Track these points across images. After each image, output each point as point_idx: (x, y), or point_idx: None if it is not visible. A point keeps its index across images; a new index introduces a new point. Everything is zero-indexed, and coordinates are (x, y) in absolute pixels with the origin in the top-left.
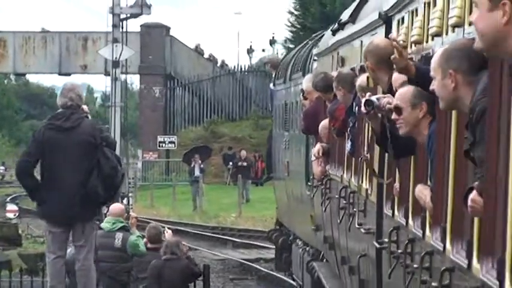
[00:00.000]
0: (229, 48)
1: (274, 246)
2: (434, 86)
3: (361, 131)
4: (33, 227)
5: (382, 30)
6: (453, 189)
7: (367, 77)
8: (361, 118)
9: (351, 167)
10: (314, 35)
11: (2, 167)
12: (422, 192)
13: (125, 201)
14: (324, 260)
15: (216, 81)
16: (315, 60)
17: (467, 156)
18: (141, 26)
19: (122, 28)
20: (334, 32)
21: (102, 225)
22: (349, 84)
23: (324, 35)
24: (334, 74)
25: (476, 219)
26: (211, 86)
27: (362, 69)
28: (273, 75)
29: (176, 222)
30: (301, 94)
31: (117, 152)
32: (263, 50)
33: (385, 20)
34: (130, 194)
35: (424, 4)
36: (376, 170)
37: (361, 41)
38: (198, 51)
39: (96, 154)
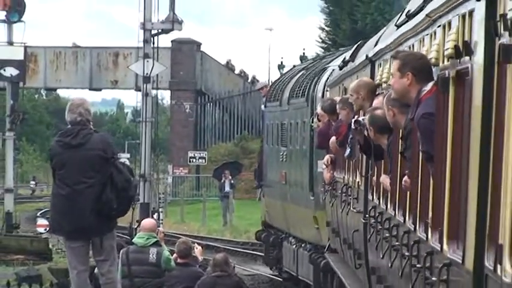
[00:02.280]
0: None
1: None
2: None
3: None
4: (63, 241)
5: (368, 70)
6: (397, 179)
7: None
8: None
9: (349, 168)
10: (306, 62)
11: (33, 182)
12: (385, 179)
13: (155, 216)
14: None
15: (247, 97)
16: (327, 90)
17: (402, 155)
18: (172, 41)
19: (153, 43)
20: (340, 68)
21: (135, 240)
22: (351, 105)
23: (314, 60)
24: (337, 98)
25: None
26: (242, 101)
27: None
28: (264, 98)
29: (206, 237)
30: (316, 117)
31: (147, 167)
32: (294, 66)
33: (370, 62)
34: (160, 209)
35: (390, 57)
36: (363, 168)
37: (357, 76)
38: (229, 67)
39: (107, 168)
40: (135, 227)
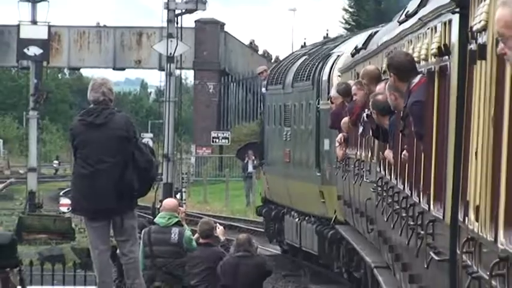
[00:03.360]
0: (283, 45)
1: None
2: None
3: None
4: (84, 221)
5: (380, 57)
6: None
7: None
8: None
9: (362, 145)
10: (306, 48)
11: (56, 161)
12: (388, 154)
13: (178, 196)
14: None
15: None
16: (339, 75)
17: (401, 133)
18: (195, 21)
19: (177, 23)
20: (352, 55)
21: (157, 220)
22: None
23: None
24: (351, 82)
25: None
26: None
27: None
28: (265, 82)
29: (229, 217)
30: (329, 100)
31: (170, 147)
32: (292, 52)
33: (382, 49)
34: (183, 189)
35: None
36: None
37: (369, 62)
38: (253, 47)
39: (130, 148)
40: (158, 207)
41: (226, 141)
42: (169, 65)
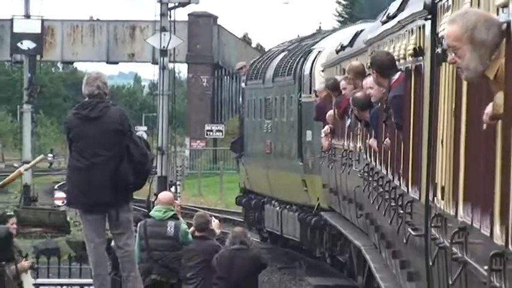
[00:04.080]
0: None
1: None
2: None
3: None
4: (79, 214)
5: (363, 57)
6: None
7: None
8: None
9: (349, 137)
10: (284, 44)
11: (51, 155)
12: (372, 142)
13: (172, 189)
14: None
15: None
16: (322, 71)
17: (384, 123)
18: (188, 15)
19: (170, 17)
20: (337, 52)
21: (152, 213)
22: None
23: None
24: (339, 77)
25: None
26: None
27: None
28: (244, 76)
29: (223, 210)
30: (314, 93)
31: (164, 140)
32: (270, 49)
33: (366, 49)
34: (177, 182)
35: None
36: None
37: (356, 59)
38: (246, 40)
39: (125, 141)
40: (153, 200)
41: (220, 134)
42: (163, 58)
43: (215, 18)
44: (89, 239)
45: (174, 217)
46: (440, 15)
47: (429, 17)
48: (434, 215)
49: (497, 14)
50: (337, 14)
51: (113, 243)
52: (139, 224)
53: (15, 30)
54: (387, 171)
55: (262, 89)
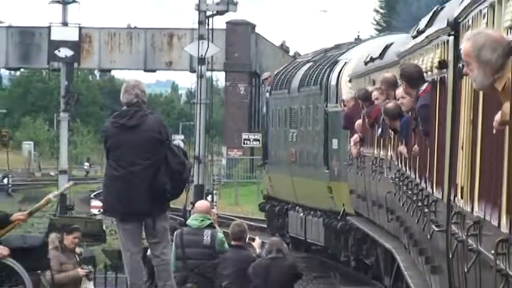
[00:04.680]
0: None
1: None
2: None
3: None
4: (116, 223)
5: (395, 69)
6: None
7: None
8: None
9: (380, 145)
10: (308, 56)
11: (87, 163)
12: (402, 149)
13: (209, 198)
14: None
15: None
16: (349, 81)
17: (413, 131)
18: (226, 23)
19: (208, 25)
20: (366, 63)
21: (189, 222)
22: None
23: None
24: (370, 88)
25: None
26: None
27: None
28: (269, 87)
29: (260, 219)
30: (342, 103)
31: (201, 149)
32: (295, 59)
33: (398, 61)
34: (214, 191)
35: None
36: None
37: (387, 71)
38: (284, 48)
39: (163, 150)
40: (189, 209)
41: (258, 143)
42: (201, 66)
43: (253, 26)
44: (125, 248)
45: (210, 226)
46: (463, 32)
47: (452, 33)
48: (454, 213)
49: (507, 34)
50: (375, 23)
51: (149, 252)
52: (175, 233)
53: (53, 37)
54: (415, 176)
55: (287, 98)
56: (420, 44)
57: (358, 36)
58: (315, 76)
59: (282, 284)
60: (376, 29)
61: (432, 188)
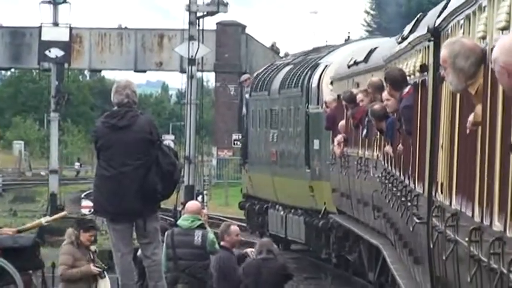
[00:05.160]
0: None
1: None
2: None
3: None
4: (107, 223)
5: (381, 73)
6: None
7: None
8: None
9: (365, 145)
10: (287, 58)
11: (78, 163)
12: (388, 149)
13: (199, 198)
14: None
15: None
16: (331, 83)
17: (398, 131)
18: (217, 24)
19: (198, 26)
20: (349, 66)
21: (180, 222)
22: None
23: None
24: (355, 90)
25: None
26: None
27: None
28: (248, 89)
29: None
30: (324, 104)
31: (192, 149)
32: (273, 63)
33: (384, 65)
34: (205, 192)
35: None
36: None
37: (372, 75)
38: (274, 49)
39: (153, 150)
40: (180, 209)
41: None
42: (191, 67)
43: (243, 27)
44: (116, 248)
45: (201, 226)
46: (443, 39)
47: (432, 39)
48: (434, 207)
49: (480, 43)
50: (366, 24)
51: (139, 252)
52: (166, 233)
53: (43, 38)
54: (400, 173)
55: (267, 100)
56: (404, 49)
57: (349, 37)
58: (295, 78)
59: (273, 284)
60: (367, 30)
61: (414, 183)
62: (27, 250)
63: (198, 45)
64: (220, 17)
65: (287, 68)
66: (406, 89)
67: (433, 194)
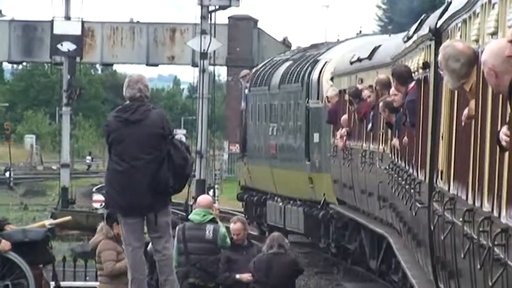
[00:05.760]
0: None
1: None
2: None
3: (379, 119)
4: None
5: (385, 70)
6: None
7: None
8: (378, 113)
9: (369, 139)
10: (287, 54)
11: (89, 157)
12: (395, 141)
13: (210, 192)
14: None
15: None
16: (331, 79)
17: (403, 125)
18: (229, 18)
19: (210, 20)
20: (351, 63)
21: (191, 217)
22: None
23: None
24: (360, 86)
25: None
26: None
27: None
28: (247, 84)
29: None
30: (326, 99)
31: (203, 143)
32: (272, 58)
33: (392, 62)
34: (216, 186)
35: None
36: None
37: (377, 72)
38: (286, 43)
39: (165, 145)
40: (191, 203)
41: None
42: (203, 61)
43: (255, 21)
44: (127, 242)
45: (212, 221)
46: (443, 39)
47: (433, 38)
48: (435, 192)
49: (475, 45)
50: (377, 19)
51: (150, 246)
52: (178, 228)
53: (55, 31)
54: (405, 164)
55: (267, 95)
56: (409, 48)
57: (360, 31)
58: (296, 74)
59: (283, 279)
60: (379, 25)
61: (417, 171)
62: (38, 244)
63: (210, 40)
64: (232, 11)
65: (287, 64)
66: (412, 84)
67: (434, 180)
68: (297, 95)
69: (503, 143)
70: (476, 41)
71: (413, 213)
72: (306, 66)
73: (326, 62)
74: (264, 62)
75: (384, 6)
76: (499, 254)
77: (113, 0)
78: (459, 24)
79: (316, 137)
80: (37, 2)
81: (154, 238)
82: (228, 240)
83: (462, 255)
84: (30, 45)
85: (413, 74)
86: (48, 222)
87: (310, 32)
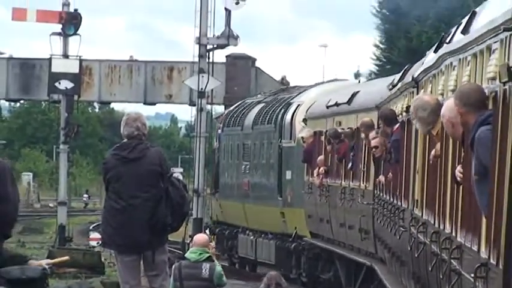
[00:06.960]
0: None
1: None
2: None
3: (359, 158)
4: (115, 255)
5: (369, 114)
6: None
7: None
8: (360, 151)
9: (349, 177)
10: (258, 97)
11: (86, 195)
12: (381, 178)
13: (207, 231)
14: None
15: None
16: (303, 120)
17: (388, 162)
18: (226, 56)
19: (208, 59)
20: (328, 107)
21: (188, 255)
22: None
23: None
24: (339, 129)
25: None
26: None
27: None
28: (221, 124)
29: None
30: (302, 139)
31: (201, 182)
32: (243, 100)
33: (374, 108)
34: (213, 225)
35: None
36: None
37: (357, 116)
38: (284, 83)
39: (163, 183)
40: (188, 242)
41: None
42: (200, 100)
43: (253, 60)
44: (123, 280)
45: (209, 259)
46: (420, 88)
47: (416, 86)
48: (411, 218)
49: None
50: (375, 58)
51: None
52: (174, 266)
53: (53, 69)
54: (390, 196)
55: (240, 135)
56: (394, 94)
57: (358, 70)
58: (269, 115)
59: None
60: (376, 64)
61: (401, 201)
62: (35, 282)
63: (208, 78)
64: (230, 50)
65: (259, 106)
66: (397, 125)
67: (412, 208)
68: (270, 135)
69: (458, 179)
70: (442, 94)
71: (398, 238)
72: (279, 109)
73: (299, 105)
74: (236, 104)
75: (382, 46)
76: (455, 266)
77: (111, 39)
78: (430, 78)
79: (288, 174)
80: (35, 39)
81: (151, 276)
82: (225, 278)
83: (430, 268)
84: (28, 83)
85: (397, 117)
86: (45, 262)
87: (307, 71)
